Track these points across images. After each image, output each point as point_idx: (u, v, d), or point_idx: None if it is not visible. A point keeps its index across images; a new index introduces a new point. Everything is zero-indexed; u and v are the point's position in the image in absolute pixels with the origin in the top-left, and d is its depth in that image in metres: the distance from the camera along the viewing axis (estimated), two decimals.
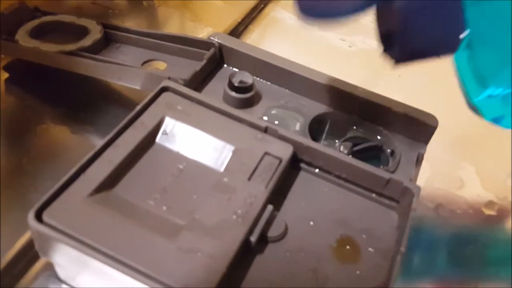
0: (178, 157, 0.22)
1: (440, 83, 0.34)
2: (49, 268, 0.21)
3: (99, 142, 0.20)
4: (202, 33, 0.38)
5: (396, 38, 0.19)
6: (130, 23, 0.38)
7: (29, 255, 0.21)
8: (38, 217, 0.18)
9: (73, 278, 0.20)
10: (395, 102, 0.26)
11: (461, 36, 0.19)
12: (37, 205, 0.18)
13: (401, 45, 0.20)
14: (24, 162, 0.26)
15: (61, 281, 0.21)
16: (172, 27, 0.40)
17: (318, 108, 0.26)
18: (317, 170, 0.23)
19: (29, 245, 0.21)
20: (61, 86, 0.30)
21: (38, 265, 0.21)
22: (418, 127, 0.25)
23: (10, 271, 0.21)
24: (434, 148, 0.26)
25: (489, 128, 0.34)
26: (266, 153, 0.22)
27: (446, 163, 0.31)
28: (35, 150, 0.27)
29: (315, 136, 0.25)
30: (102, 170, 0.20)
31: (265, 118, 0.26)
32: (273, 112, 0.26)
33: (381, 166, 0.24)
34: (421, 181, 0.24)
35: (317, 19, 0.19)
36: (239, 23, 0.40)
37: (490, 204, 0.29)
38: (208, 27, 0.39)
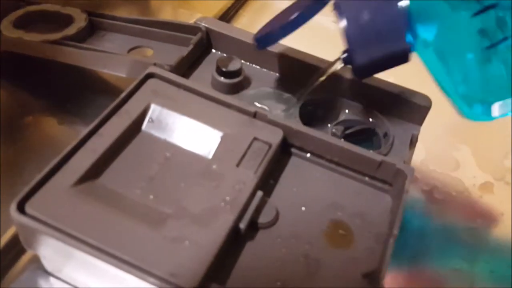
0: (165, 145, 0.21)
1: None
2: (36, 260, 0.20)
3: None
4: (191, 19, 0.37)
5: (349, 56, 0.21)
6: (121, 12, 0.37)
7: (16, 248, 0.21)
8: (21, 208, 0.17)
9: (60, 270, 0.20)
10: (387, 84, 0.25)
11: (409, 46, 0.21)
12: (19, 196, 0.17)
13: (354, 62, 0.21)
14: (11, 154, 0.25)
15: (48, 273, 0.20)
16: (164, 15, 0.39)
17: (309, 91, 0.26)
18: (308, 155, 0.23)
19: (16, 238, 0.21)
20: (47, 77, 0.30)
21: (25, 258, 0.21)
22: (411, 108, 0.25)
23: None
24: (429, 129, 0.26)
25: None
26: (255, 139, 0.22)
27: (441, 144, 0.31)
28: (22, 142, 0.26)
29: (306, 120, 0.24)
30: (85, 160, 0.19)
31: (255, 103, 0.25)
32: (263, 96, 0.26)
33: (375, 149, 0.24)
34: (416, 163, 0.24)
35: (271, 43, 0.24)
36: (229, 8, 0.39)
37: (486, 185, 0.29)
38: (197, 14, 0.38)
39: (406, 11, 0.20)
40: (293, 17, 0.22)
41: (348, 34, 0.21)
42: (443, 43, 0.20)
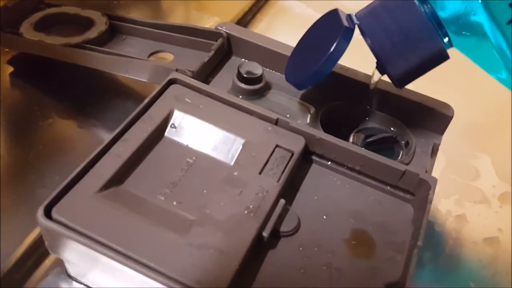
0: (187, 151, 0.21)
1: (453, 72, 0.33)
2: (59, 264, 0.21)
3: (107, 137, 0.20)
4: (208, 23, 0.38)
5: (383, 68, 0.21)
6: (135, 14, 0.37)
7: (38, 252, 0.21)
8: (47, 213, 0.18)
9: (83, 275, 0.20)
10: (409, 92, 0.25)
11: (444, 44, 0.20)
12: (46, 202, 0.18)
13: (390, 75, 0.22)
14: (31, 157, 0.26)
15: (71, 278, 0.20)
16: (177, 17, 0.40)
17: (330, 98, 0.26)
18: (329, 163, 0.23)
19: (38, 242, 0.21)
20: (67, 80, 0.30)
21: (48, 262, 0.21)
22: (434, 117, 0.25)
23: (20, 268, 0.21)
24: (449, 138, 0.26)
25: (504, 117, 0.33)
26: (277, 146, 0.22)
27: (461, 153, 0.30)
28: (42, 145, 0.26)
29: (326, 128, 0.24)
30: (110, 165, 0.19)
31: (276, 109, 0.25)
32: (284, 103, 0.26)
33: (395, 158, 0.24)
34: (436, 172, 0.24)
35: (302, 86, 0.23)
36: (247, 12, 0.39)
37: (505, 195, 0.29)
38: (215, 17, 0.38)
39: (432, 12, 0.20)
40: (333, 47, 0.21)
41: (375, 52, 0.21)
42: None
